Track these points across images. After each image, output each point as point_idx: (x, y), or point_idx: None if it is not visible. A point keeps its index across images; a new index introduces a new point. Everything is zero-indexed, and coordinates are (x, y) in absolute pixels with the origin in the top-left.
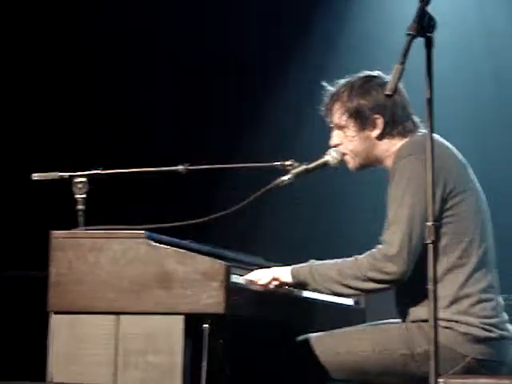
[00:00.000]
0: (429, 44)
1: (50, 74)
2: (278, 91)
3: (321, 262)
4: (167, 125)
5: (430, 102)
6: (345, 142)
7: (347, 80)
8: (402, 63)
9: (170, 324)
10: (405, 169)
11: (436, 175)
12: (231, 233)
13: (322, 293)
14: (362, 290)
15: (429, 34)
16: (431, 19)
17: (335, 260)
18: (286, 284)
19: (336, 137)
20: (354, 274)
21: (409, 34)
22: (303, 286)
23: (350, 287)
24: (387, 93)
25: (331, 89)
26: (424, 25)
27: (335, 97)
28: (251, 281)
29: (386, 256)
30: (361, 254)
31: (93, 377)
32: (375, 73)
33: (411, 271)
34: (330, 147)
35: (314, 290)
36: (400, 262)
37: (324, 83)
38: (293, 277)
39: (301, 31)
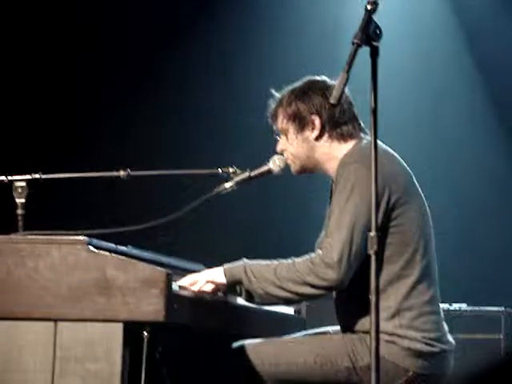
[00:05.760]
0: (374, 53)
1: None
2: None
3: (255, 261)
4: (112, 129)
5: (374, 112)
6: (287, 147)
7: (292, 85)
8: (347, 72)
9: (109, 331)
10: (350, 176)
11: (381, 185)
12: (172, 239)
13: (256, 293)
14: (297, 294)
15: (374, 43)
16: (377, 28)
17: (270, 261)
18: (221, 285)
19: (281, 142)
20: (291, 277)
21: (354, 43)
22: (237, 285)
23: (286, 290)
24: (332, 101)
25: (277, 95)
26: (369, 34)
27: (278, 102)
28: (185, 286)
29: (325, 262)
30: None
31: None
32: (319, 78)
33: (352, 280)
34: (272, 154)
35: (247, 290)
36: (339, 270)
37: (271, 90)
38: (226, 277)
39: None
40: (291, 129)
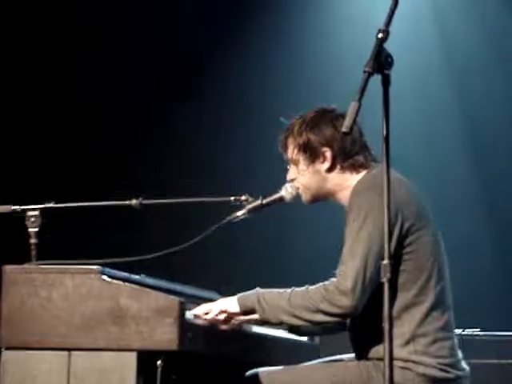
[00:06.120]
0: (386, 81)
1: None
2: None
3: (268, 290)
4: (119, 157)
5: (386, 139)
6: (298, 177)
7: (301, 115)
8: (359, 100)
9: (122, 360)
10: (363, 204)
11: (394, 212)
12: (185, 267)
13: (270, 322)
14: (311, 322)
15: (386, 71)
16: (388, 56)
17: (284, 289)
18: (235, 314)
19: (291, 171)
20: (304, 305)
21: (365, 72)
22: (251, 314)
23: (300, 318)
24: (344, 130)
25: (287, 124)
26: (381, 62)
27: (288, 132)
28: (198, 315)
29: (339, 289)
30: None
31: None
32: (330, 107)
33: (366, 307)
34: (285, 182)
35: (261, 319)
36: (353, 297)
37: (281, 119)
38: (240, 306)
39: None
40: (302, 160)
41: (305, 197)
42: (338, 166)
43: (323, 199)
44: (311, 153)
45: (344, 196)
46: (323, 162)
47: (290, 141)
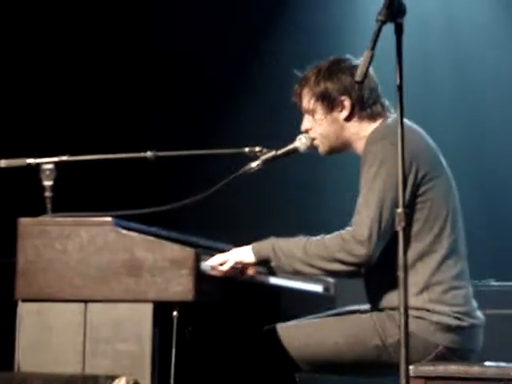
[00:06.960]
0: (398, 30)
1: (13, 60)
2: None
3: (283, 239)
4: (136, 110)
5: (400, 88)
6: (314, 126)
7: (316, 65)
8: (372, 49)
9: (138, 312)
10: (377, 153)
11: (409, 160)
12: (200, 219)
13: (284, 271)
14: (326, 271)
15: (398, 20)
16: (401, 5)
17: (299, 238)
18: (250, 264)
19: (306, 122)
20: (320, 254)
21: (378, 20)
22: (266, 263)
23: (315, 267)
24: (357, 79)
25: (300, 75)
26: (393, 10)
27: (303, 82)
28: (214, 267)
29: (355, 238)
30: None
31: (61, 365)
32: (344, 56)
33: (381, 256)
34: (299, 133)
35: (276, 268)
36: (369, 246)
37: (295, 70)
38: (255, 255)
39: (274, 16)
40: (319, 109)
41: (322, 147)
42: (356, 115)
43: (340, 150)
44: (329, 101)
45: (360, 145)
46: (341, 111)
47: (306, 91)
